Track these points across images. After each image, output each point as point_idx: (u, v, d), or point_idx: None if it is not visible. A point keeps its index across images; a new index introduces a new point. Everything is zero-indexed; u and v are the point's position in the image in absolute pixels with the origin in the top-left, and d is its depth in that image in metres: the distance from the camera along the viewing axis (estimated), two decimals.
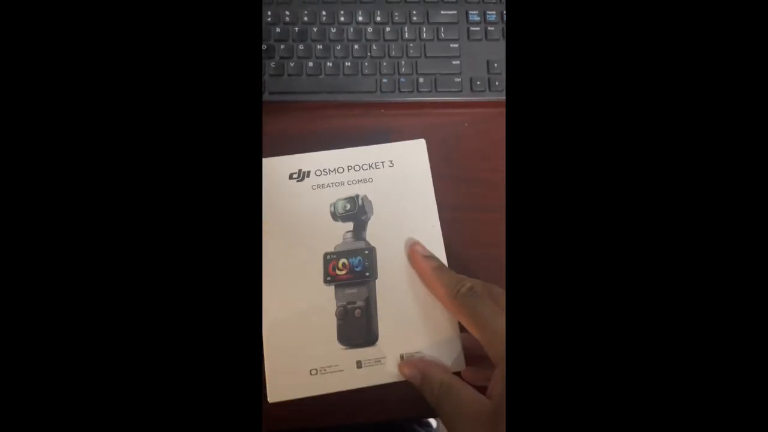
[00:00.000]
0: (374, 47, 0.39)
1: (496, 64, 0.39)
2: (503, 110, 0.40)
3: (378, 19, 0.40)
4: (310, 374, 0.28)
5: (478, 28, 0.40)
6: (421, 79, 0.39)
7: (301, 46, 0.39)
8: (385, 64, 0.39)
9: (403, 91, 0.38)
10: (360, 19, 0.40)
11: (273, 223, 0.30)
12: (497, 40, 0.40)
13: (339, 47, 0.39)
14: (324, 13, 0.40)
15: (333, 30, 0.39)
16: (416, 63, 0.39)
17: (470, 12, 0.40)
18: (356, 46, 0.39)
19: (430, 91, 0.39)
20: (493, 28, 0.40)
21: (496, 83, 0.39)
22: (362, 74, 0.39)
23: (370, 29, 0.39)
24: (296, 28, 0.39)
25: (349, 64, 0.39)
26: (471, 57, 0.40)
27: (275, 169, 0.31)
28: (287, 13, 0.39)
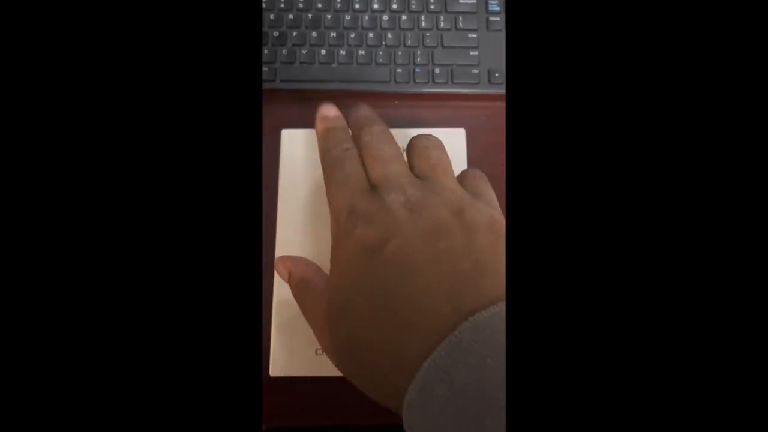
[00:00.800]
0: (389, 36, 0.38)
1: None
2: None
3: (394, 6, 0.38)
4: (316, 354, 0.27)
5: (497, 18, 0.39)
6: (437, 70, 0.37)
7: (314, 34, 0.38)
8: (400, 53, 0.38)
9: (419, 82, 0.37)
10: (375, 6, 0.38)
11: (298, 193, 0.30)
12: None
13: (353, 35, 0.38)
14: (339, 0, 0.39)
15: (347, 17, 0.38)
16: (432, 53, 0.38)
17: (490, 2, 0.39)
18: (371, 35, 0.38)
19: (447, 83, 0.37)
20: None
21: None
22: (376, 63, 0.37)
23: (385, 17, 0.38)
24: (309, 15, 0.38)
25: (362, 52, 0.38)
26: (490, 48, 0.38)
27: (313, 138, 0.31)
28: None
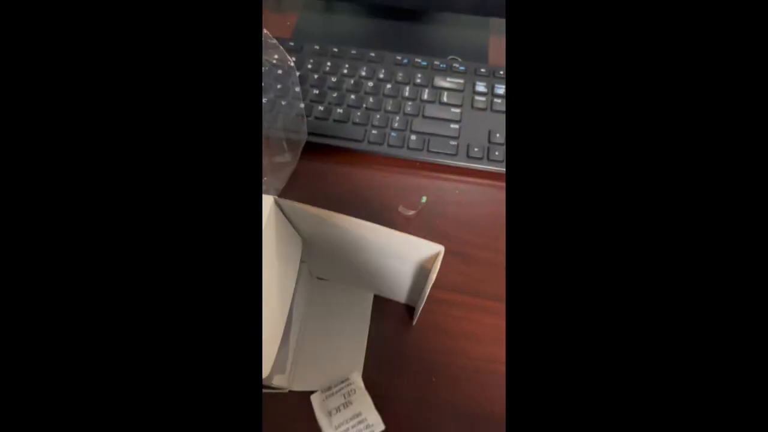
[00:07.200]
0: (371, 100, 0.38)
1: (498, 135, 0.36)
2: (502, 183, 0.36)
3: (381, 76, 0.39)
4: None
5: (483, 99, 0.38)
6: (413, 137, 0.36)
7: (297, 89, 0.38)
8: (378, 116, 0.37)
9: (392, 146, 0.36)
10: (363, 73, 0.39)
11: None
12: (502, 113, 0.38)
13: (335, 95, 0.38)
14: (329, 64, 0.39)
15: (333, 79, 0.39)
16: (411, 120, 0.37)
17: (477, 82, 0.39)
18: (353, 96, 0.38)
19: (422, 150, 0.36)
20: (500, 101, 0.38)
21: (496, 153, 0.36)
22: (353, 123, 0.37)
23: (370, 84, 0.38)
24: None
25: (340, 111, 0.37)
26: (472, 124, 0.37)
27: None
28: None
